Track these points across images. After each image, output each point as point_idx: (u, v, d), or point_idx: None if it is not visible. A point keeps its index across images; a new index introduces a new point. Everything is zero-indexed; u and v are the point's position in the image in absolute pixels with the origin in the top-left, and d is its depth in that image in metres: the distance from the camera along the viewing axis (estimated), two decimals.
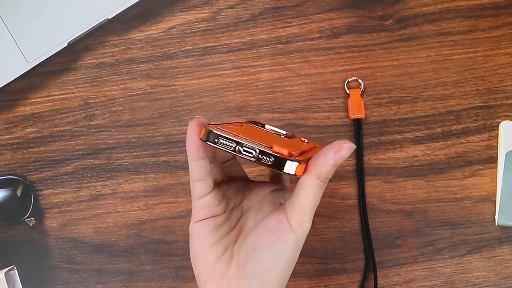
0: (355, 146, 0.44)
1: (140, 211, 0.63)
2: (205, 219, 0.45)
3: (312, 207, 0.42)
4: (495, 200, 0.62)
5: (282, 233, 0.42)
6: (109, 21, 0.63)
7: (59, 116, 0.64)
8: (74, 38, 0.63)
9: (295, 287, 0.62)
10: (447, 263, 0.62)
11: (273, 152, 0.41)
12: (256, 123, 0.52)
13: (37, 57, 0.62)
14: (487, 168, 0.62)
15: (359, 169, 0.62)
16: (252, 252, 0.43)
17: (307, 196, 0.42)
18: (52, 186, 0.63)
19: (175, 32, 0.65)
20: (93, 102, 0.64)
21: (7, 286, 0.58)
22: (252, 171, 0.62)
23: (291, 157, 0.41)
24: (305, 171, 0.42)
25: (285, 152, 0.41)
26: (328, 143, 0.63)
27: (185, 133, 0.63)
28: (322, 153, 0.43)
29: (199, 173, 0.44)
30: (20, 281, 0.60)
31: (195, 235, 0.45)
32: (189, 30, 0.65)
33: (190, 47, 0.64)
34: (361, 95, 0.63)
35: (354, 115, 0.63)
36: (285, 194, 0.49)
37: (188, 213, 0.63)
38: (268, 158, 0.40)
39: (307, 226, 0.42)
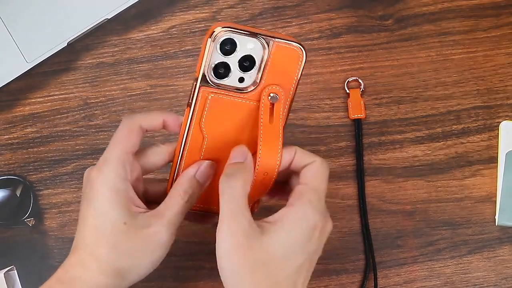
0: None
1: None
2: None
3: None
4: (496, 200, 0.61)
5: None
6: (108, 21, 0.63)
7: (59, 116, 0.64)
8: (74, 38, 0.62)
9: None
10: (447, 263, 0.61)
11: None
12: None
13: (37, 57, 0.62)
14: (487, 168, 0.62)
15: (359, 169, 0.62)
16: None
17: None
18: (52, 186, 0.63)
19: (175, 32, 0.64)
20: (92, 102, 0.64)
21: (6, 286, 0.58)
22: None
23: None
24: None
25: None
26: (328, 143, 0.63)
27: None
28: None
29: None
30: (20, 281, 0.60)
31: None
32: (189, 30, 0.65)
33: (190, 47, 0.64)
34: (361, 95, 0.63)
35: (354, 115, 0.63)
36: None
37: None
38: None
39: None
